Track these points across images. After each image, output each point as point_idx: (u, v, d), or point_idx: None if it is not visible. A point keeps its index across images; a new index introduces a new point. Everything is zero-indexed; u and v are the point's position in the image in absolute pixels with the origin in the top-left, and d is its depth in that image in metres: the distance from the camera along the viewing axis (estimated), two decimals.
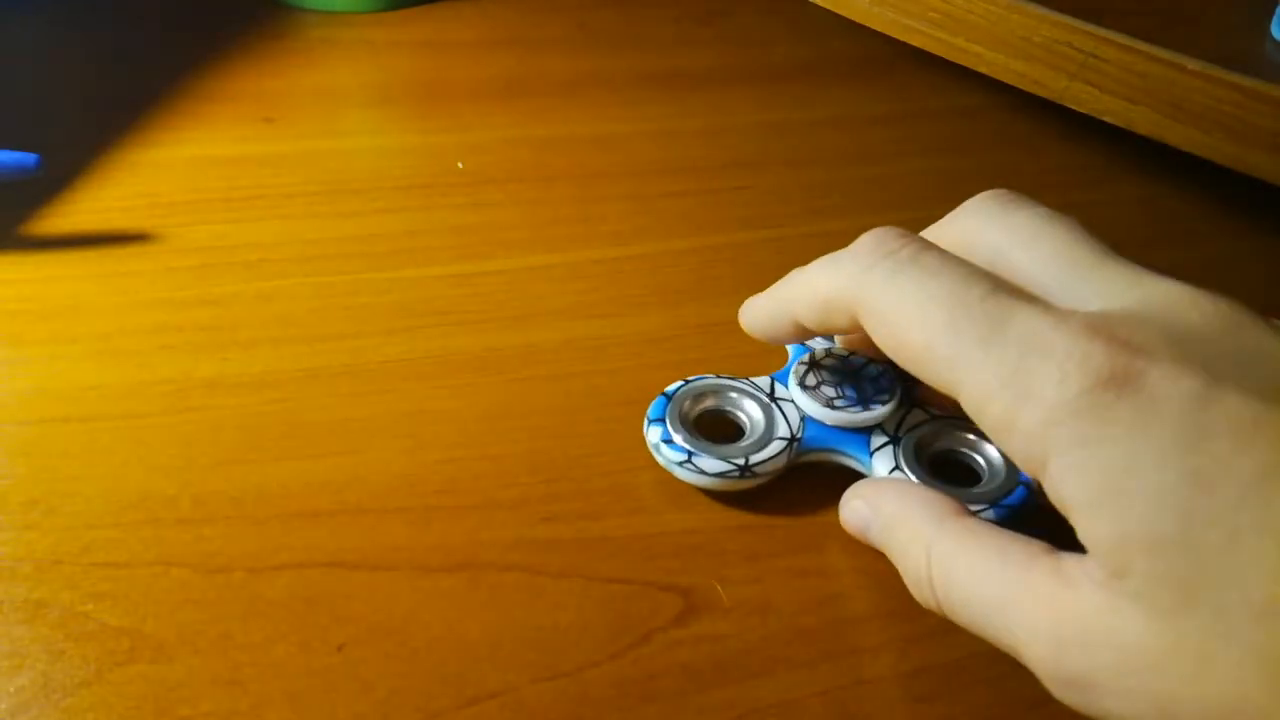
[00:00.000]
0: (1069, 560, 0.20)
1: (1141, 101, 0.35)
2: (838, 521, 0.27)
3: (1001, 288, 0.21)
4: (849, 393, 0.27)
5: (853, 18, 0.42)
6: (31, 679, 0.22)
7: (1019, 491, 0.26)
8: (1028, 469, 0.20)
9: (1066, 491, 0.19)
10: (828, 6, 0.43)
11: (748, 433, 0.28)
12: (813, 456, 0.28)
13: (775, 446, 0.27)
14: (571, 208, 0.38)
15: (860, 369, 0.28)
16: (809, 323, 0.25)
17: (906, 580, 0.23)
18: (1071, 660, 0.19)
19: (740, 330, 0.33)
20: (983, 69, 0.39)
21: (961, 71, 0.40)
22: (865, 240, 0.23)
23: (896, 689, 0.24)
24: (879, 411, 0.27)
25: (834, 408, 0.27)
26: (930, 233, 0.26)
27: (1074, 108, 0.37)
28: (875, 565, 0.25)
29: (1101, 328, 0.19)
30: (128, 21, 0.48)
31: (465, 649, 0.24)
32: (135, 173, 0.38)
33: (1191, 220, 0.40)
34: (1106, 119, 0.36)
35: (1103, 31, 0.35)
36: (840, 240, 0.38)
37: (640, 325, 0.33)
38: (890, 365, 0.28)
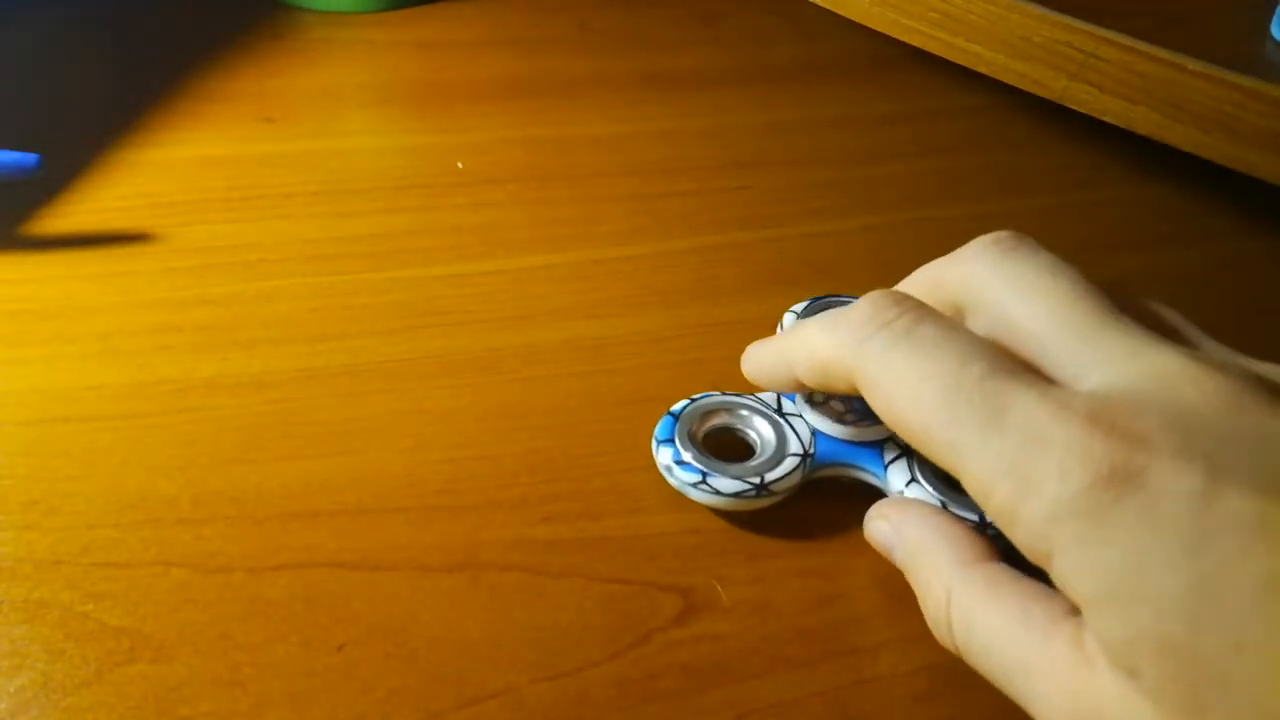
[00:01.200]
0: (1091, 638, 0.19)
1: (1141, 101, 0.35)
2: (837, 522, 0.27)
3: (1000, 367, 0.20)
4: (857, 406, 0.27)
5: (853, 18, 0.42)
6: (31, 679, 0.22)
7: None
8: (1033, 560, 0.19)
9: (1072, 589, 0.19)
10: (828, 6, 0.43)
11: (759, 451, 0.27)
12: (827, 472, 0.27)
13: (789, 464, 0.26)
14: (571, 208, 0.38)
15: None
16: (809, 382, 0.25)
17: (925, 613, 0.23)
18: None
19: (740, 330, 0.33)
20: (983, 69, 0.39)
21: (961, 71, 0.40)
22: (863, 307, 0.23)
23: (896, 689, 0.24)
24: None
25: (844, 422, 0.27)
26: (933, 270, 0.25)
27: (1074, 108, 0.37)
28: (875, 566, 0.25)
29: (1101, 417, 0.19)
30: (128, 21, 0.48)
31: (465, 649, 0.24)
32: (135, 173, 0.38)
33: (1192, 220, 0.40)
34: (1106, 119, 0.36)
35: (1103, 31, 0.35)
36: (840, 240, 0.38)
37: (640, 325, 0.33)
38: None
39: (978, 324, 0.23)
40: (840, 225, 0.38)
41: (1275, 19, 0.39)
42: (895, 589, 0.25)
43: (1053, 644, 0.20)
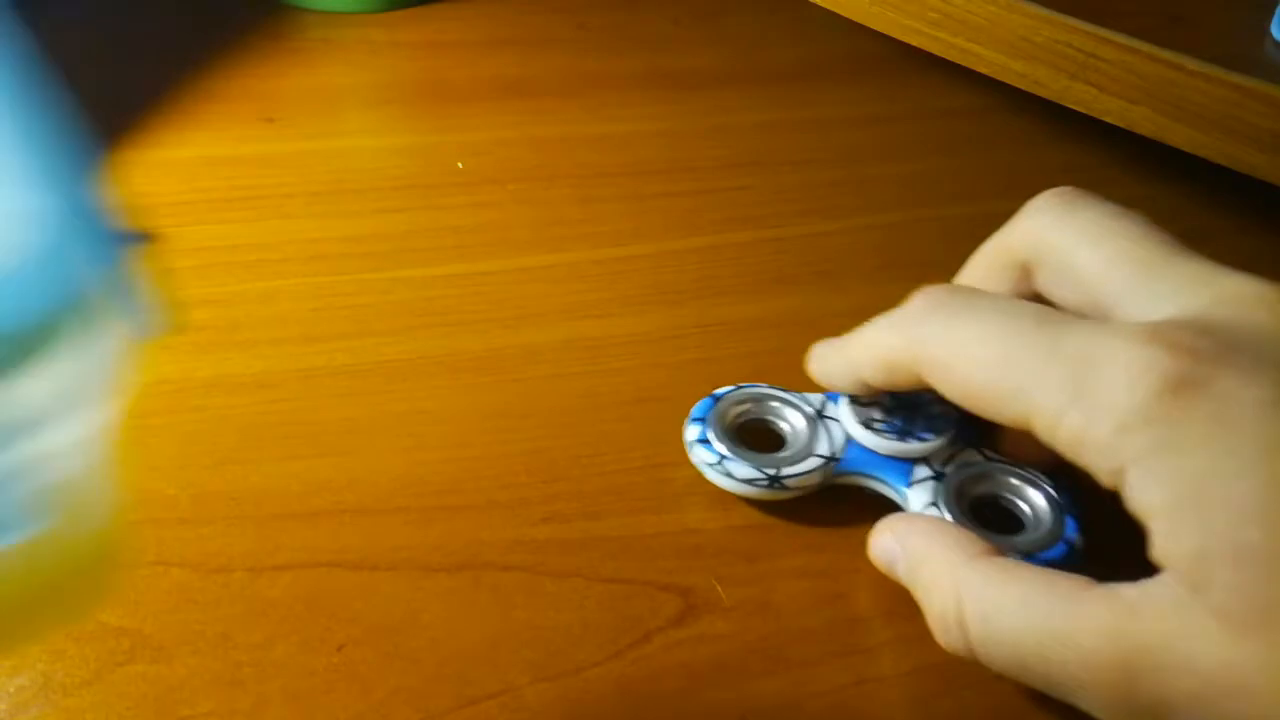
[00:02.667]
0: (1127, 589, 0.19)
1: (1141, 101, 0.35)
2: (839, 524, 0.27)
3: (1051, 313, 0.21)
4: (900, 422, 0.27)
5: (853, 18, 0.42)
6: (31, 679, 0.22)
7: (1060, 548, 0.25)
8: (1108, 482, 0.19)
9: (1146, 499, 0.18)
10: (828, 6, 0.43)
11: (787, 445, 0.27)
12: (848, 479, 0.27)
13: (811, 463, 0.26)
14: (571, 208, 0.38)
15: (919, 401, 0.27)
16: (877, 383, 0.25)
17: (931, 620, 0.23)
18: (1144, 691, 0.18)
19: (740, 331, 0.33)
20: (983, 69, 0.39)
21: (961, 71, 0.40)
22: (915, 299, 0.24)
23: (896, 689, 0.24)
24: (926, 444, 0.26)
25: (879, 433, 0.26)
26: (996, 239, 0.25)
27: (1074, 108, 0.37)
28: (875, 566, 0.25)
29: (1161, 334, 0.19)
30: (127, 21, 0.48)
31: (465, 649, 0.24)
32: (135, 173, 0.38)
33: (1191, 220, 0.40)
34: (1106, 119, 0.36)
35: (1103, 31, 0.35)
36: (839, 240, 0.38)
37: (640, 325, 0.33)
38: (953, 405, 0.27)
39: (1045, 277, 0.24)
40: (840, 225, 0.38)
41: (1275, 19, 0.39)
42: (895, 590, 0.25)
43: (1085, 606, 0.19)
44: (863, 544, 0.25)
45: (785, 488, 0.26)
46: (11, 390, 0.13)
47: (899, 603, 0.25)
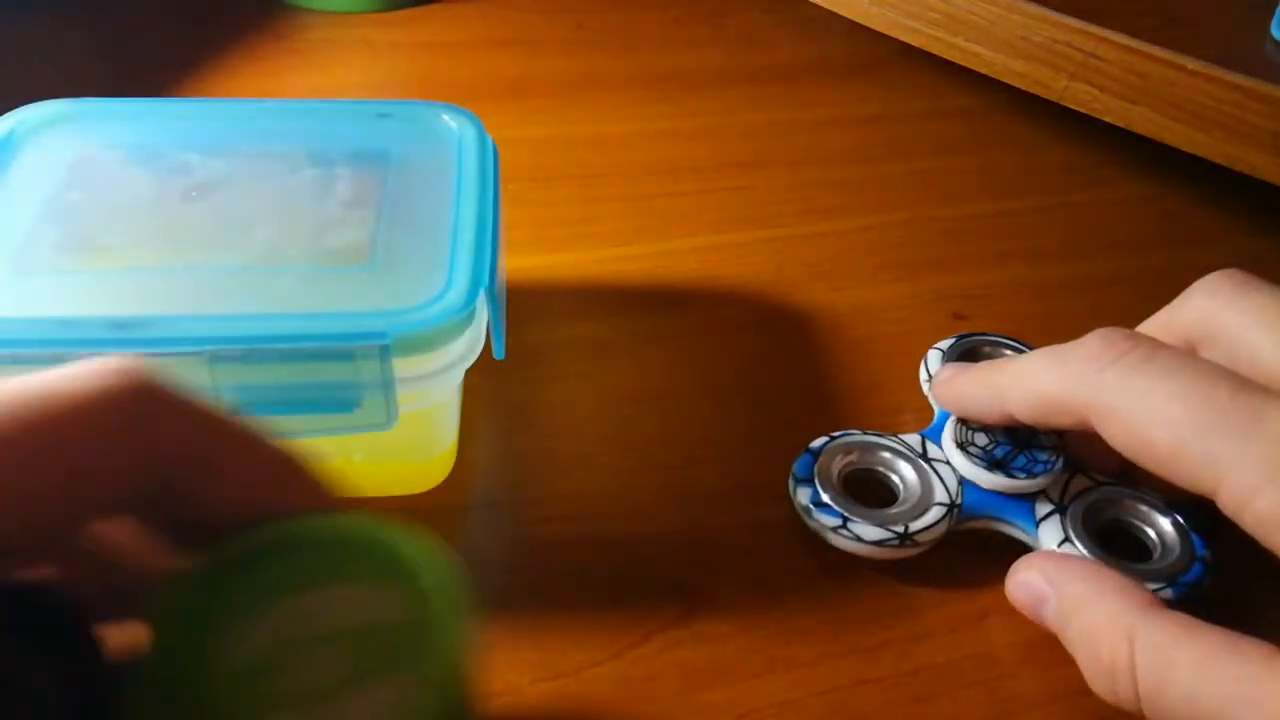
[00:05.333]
0: None
1: (1141, 101, 0.35)
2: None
3: (1248, 384, 0.21)
4: (1010, 455, 0.26)
5: (853, 18, 0.42)
6: None
7: (1196, 568, 0.24)
8: None
9: None
10: (828, 6, 0.43)
11: (901, 496, 0.26)
12: (973, 524, 0.26)
13: (935, 513, 0.25)
14: (571, 208, 0.38)
15: (1018, 430, 0.26)
16: (1023, 416, 0.24)
17: (1089, 670, 0.22)
18: None
19: (741, 329, 0.33)
20: (983, 69, 0.39)
21: (961, 71, 0.40)
22: (1092, 342, 0.23)
23: (896, 689, 0.24)
24: (1043, 477, 0.26)
25: (995, 471, 0.26)
26: (1164, 315, 0.25)
27: (1074, 108, 0.37)
28: (875, 566, 0.25)
29: None
30: (127, 21, 0.48)
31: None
32: None
33: (1191, 220, 0.40)
34: (1106, 119, 0.36)
35: (1103, 31, 0.35)
36: (840, 240, 0.38)
37: (640, 325, 0.33)
38: (1055, 433, 0.26)
39: (1213, 357, 0.23)
40: (840, 225, 0.38)
41: (1275, 19, 0.39)
42: (894, 590, 0.25)
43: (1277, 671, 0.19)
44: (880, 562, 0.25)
45: (916, 543, 0.25)
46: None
47: (898, 603, 0.25)
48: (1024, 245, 0.38)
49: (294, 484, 0.16)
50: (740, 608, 0.25)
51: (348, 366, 0.22)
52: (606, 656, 0.24)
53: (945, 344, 0.30)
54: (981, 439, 0.26)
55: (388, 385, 0.23)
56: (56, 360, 0.21)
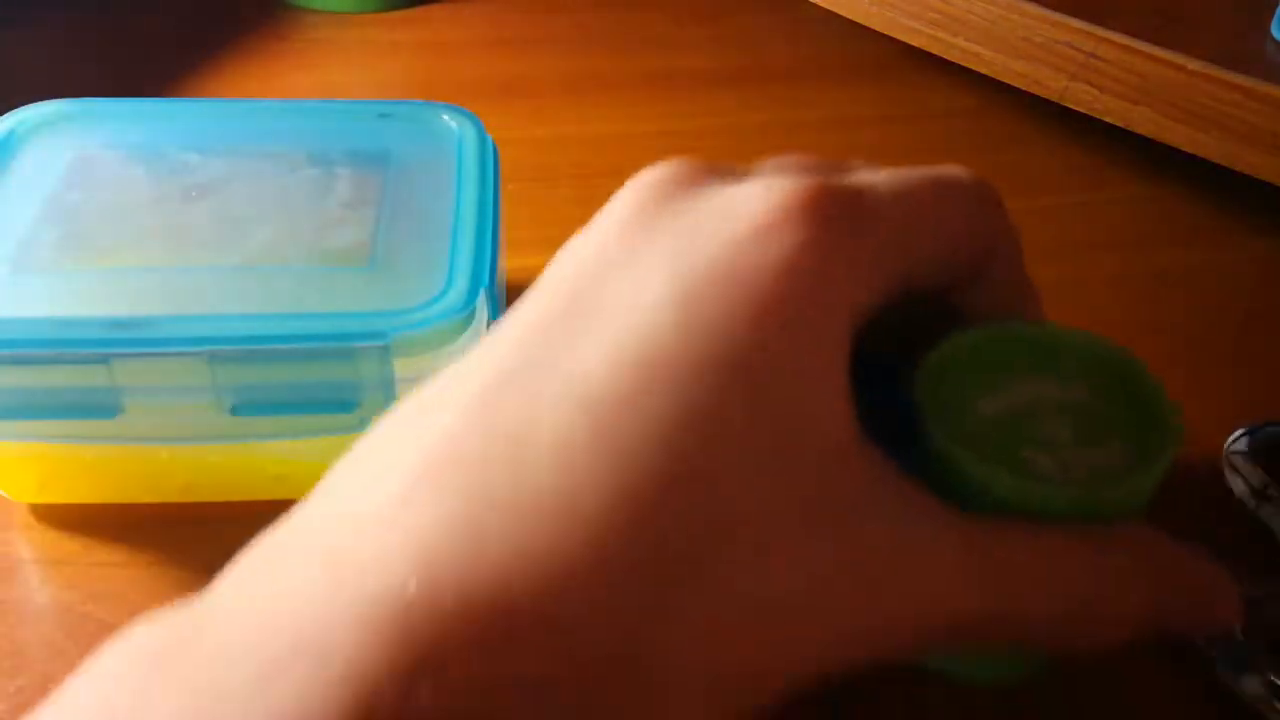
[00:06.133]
0: None
1: (1141, 101, 0.35)
2: None
3: None
4: None
5: (853, 18, 0.42)
6: (31, 679, 0.22)
7: None
8: None
9: None
10: (828, 6, 0.43)
11: None
12: None
13: None
14: (571, 208, 0.38)
15: None
16: None
17: None
18: None
19: None
20: (983, 69, 0.39)
21: (961, 71, 0.40)
22: None
23: (897, 689, 0.24)
24: None
25: None
26: None
27: (1074, 108, 0.37)
28: None
29: None
30: (127, 22, 0.48)
31: None
32: None
33: (1191, 220, 0.40)
34: (1106, 119, 0.36)
35: (1103, 31, 0.35)
36: None
37: None
38: None
39: None
40: None
41: (1275, 19, 0.39)
42: None
43: None
44: None
45: None
46: None
47: None
48: (1024, 245, 0.38)
49: (1034, 304, 0.21)
50: None
51: (348, 366, 0.22)
52: None
53: (1241, 430, 0.28)
54: None
55: (388, 385, 0.23)
56: (56, 360, 0.21)
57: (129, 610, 0.24)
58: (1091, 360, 0.21)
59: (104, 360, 0.22)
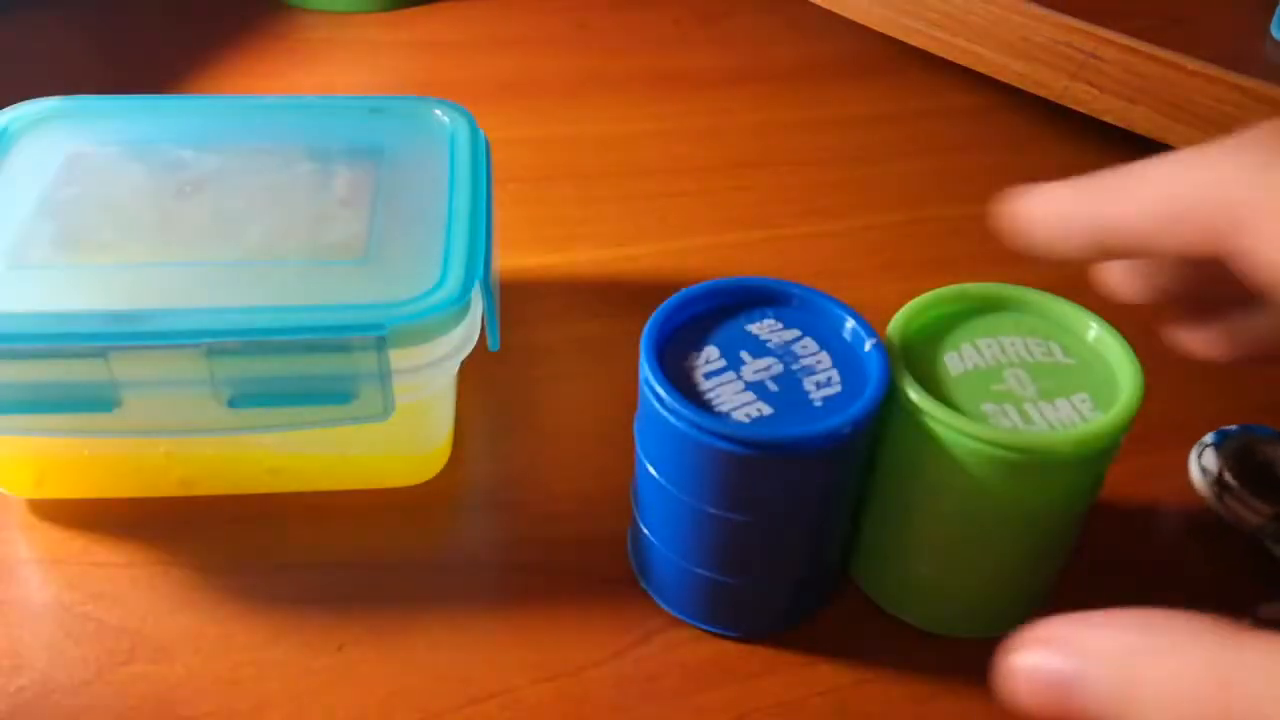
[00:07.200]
0: None
1: (1141, 101, 0.35)
2: None
3: None
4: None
5: (853, 18, 0.42)
6: (31, 679, 0.22)
7: None
8: None
9: None
10: (828, 6, 0.43)
11: None
12: None
13: None
14: (571, 208, 0.38)
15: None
16: (1129, 232, 0.18)
17: None
18: None
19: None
20: (983, 69, 0.39)
21: (961, 71, 0.40)
22: (1256, 133, 0.17)
23: (897, 689, 0.24)
24: None
25: None
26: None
27: (1074, 108, 0.37)
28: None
29: None
30: (127, 22, 0.48)
31: (465, 649, 0.24)
32: None
33: None
34: (1106, 119, 0.36)
35: (1103, 31, 0.35)
36: (840, 240, 0.38)
37: (640, 325, 0.33)
38: None
39: None
40: (840, 225, 0.38)
41: (1275, 19, 0.39)
42: None
43: None
44: None
45: None
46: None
47: None
48: (1024, 245, 0.38)
49: None
50: None
51: (345, 358, 0.22)
52: (606, 656, 0.24)
53: (1210, 438, 0.28)
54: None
55: (384, 376, 0.23)
56: (56, 354, 0.21)
57: (129, 610, 0.24)
58: (1055, 318, 0.23)
59: (102, 354, 0.22)
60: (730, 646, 0.24)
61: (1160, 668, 0.15)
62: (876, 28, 0.41)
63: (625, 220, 0.37)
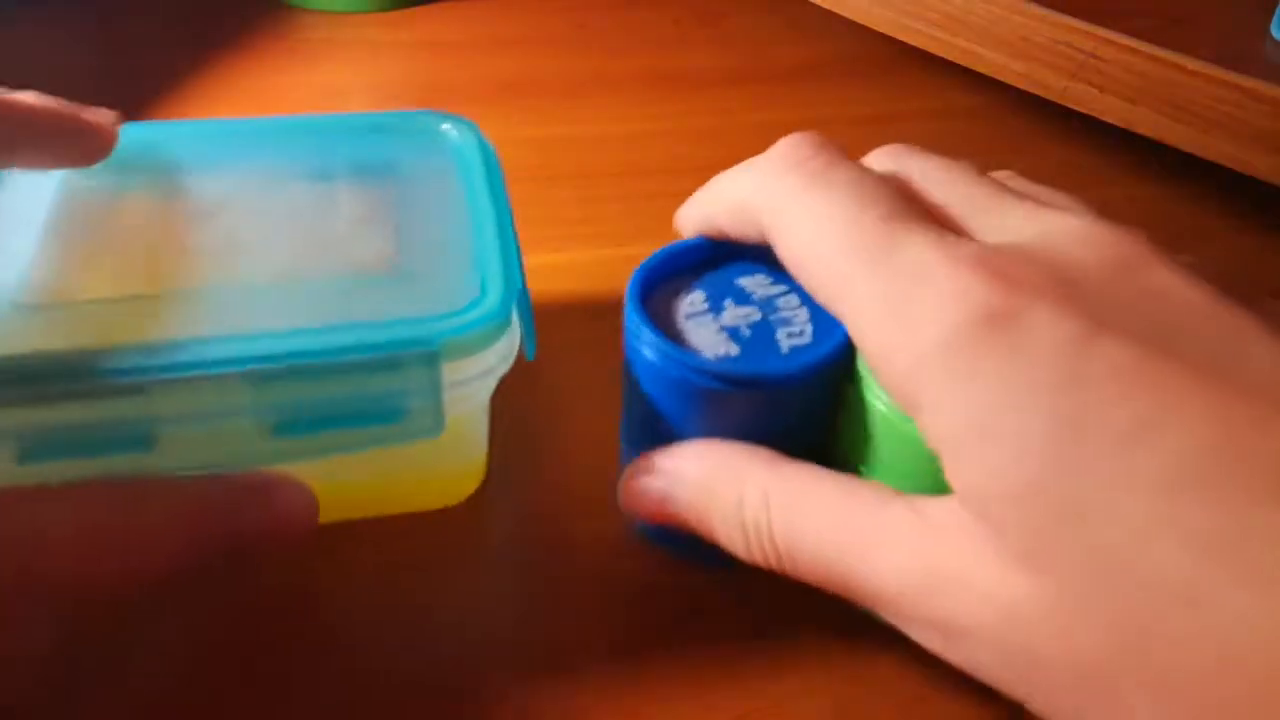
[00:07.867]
0: (930, 504, 0.18)
1: (1141, 101, 0.35)
2: None
3: (901, 210, 0.20)
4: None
5: (853, 18, 0.42)
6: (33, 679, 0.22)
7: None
8: (906, 409, 0.19)
9: (935, 430, 0.18)
10: (828, 6, 0.43)
11: None
12: None
13: None
14: (571, 208, 0.38)
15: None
16: (728, 228, 0.23)
17: (733, 540, 0.21)
18: (937, 605, 0.18)
19: None
20: (983, 69, 0.39)
21: (961, 71, 0.40)
22: (781, 147, 0.23)
23: (897, 689, 0.24)
24: None
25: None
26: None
27: (1074, 108, 0.37)
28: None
29: (988, 261, 0.18)
30: (127, 21, 0.48)
31: (465, 649, 0.24)
32: None
33: (1191, 220, 0.40)
34: (1106, 119, 0.36)
35: (1103, 31, 0.35)
36: None
37: None
38: None
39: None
40: None
41: (1275, 19, 0.39)
42: None
43: (887, 516, 0.19)
44: None
45: None
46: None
47: None
48: None
49: None
50: (741, 608, 0.25)
51: (395, 375, 0.22)
52: (607, 656, 0.24)
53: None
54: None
55: (436, 391, 0.22)
56: (91, 394, 0.20)
57: (128, 610, 0.24)
58: None
59: (140, 390, 0.20)
60: (730, 646, 0.24)
61: (718, 486, 0.21)
62: (876, 28, 0.41)
63: (625, 220, 0.37)
